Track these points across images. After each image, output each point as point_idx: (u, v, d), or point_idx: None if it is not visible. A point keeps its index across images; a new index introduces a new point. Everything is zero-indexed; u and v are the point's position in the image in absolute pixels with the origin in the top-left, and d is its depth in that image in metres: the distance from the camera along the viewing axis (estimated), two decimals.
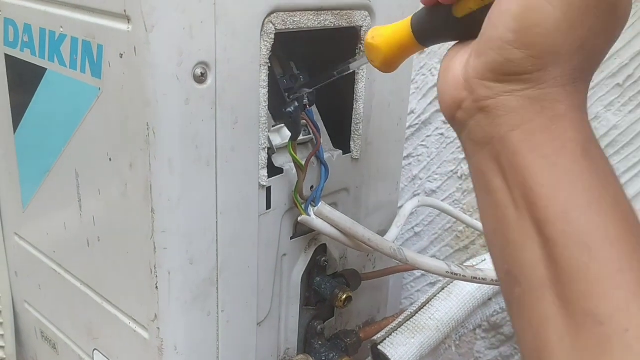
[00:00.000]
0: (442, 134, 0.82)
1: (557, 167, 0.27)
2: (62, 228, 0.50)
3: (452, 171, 0.81)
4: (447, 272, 0.50)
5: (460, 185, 0.81)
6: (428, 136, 0.83)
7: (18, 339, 0.64)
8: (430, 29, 0.33)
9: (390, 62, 0.37)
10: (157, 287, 0.42)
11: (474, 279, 0.50)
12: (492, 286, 0.62)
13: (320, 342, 0.56)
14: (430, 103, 0.81)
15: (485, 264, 0.63)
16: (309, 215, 0.49)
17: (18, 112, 0.51)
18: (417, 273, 0.91)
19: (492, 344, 0.82)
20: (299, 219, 0.49)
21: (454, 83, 0.30)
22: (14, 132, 0.53)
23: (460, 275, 0.50)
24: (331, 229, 0.50)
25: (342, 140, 0.54)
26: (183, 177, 0.40)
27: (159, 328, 0.43)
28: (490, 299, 0.64)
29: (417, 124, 0.83)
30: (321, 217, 0.49)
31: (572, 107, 0.27)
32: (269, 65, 0.43)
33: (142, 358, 0.46)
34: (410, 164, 0.86)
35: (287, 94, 0.48)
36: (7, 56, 0.51)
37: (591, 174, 0.27)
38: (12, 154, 0.54)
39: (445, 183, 0.83)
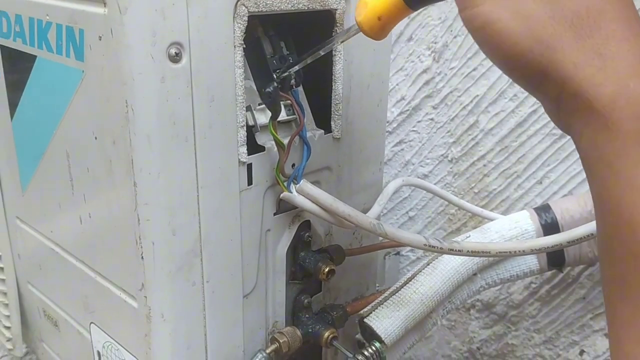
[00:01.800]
0: (432, 119, 0.83)
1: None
2: (58, 208, 0.53)
3: (442, 155, 0.83)
4: (424, 244, 0.52)
5: (450, 168, 0.83)
6: (419, 121, 0.85)
7: (23, 319, 0.67)
8: None
9: (379, 28, 0.39)
10: (142, 258, 0.45)
11: (450, 251, 0.52)
12: (476, 262, 0.63)
13: (307, 315, 0.58)
14: (420, 89, 0.83)
15: (468, 240, 0.64)
16: (290, 192, 0.51)
17: (14, 99, 0.54)
18: (413, 257, 0.92)
19: (485, 324, 0.84)
20: (281, 195, 0.51)
21: None
22: (11, 119, 0.56)
23: (437, 247, 0.52)
24: (312, 205, 0.52)
25: (324, 120, 0.56)
26: (162, 152, 0.42)
27: (146, 297, 0.46)
28: (475, 274, 0.65)
29: (407, 110, 0.85)
30: (303, 194, 0.51)
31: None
32: (261, 44, 0.46)
33: (133, 327, 0.48)
34: (402, 149, 0.88)
35: (275, 74, 0.50)
36: (2, 47, 0.54)
37: None
38: (10, 140, 0.57)
39: (437, 167, 0.84)
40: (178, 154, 0.43)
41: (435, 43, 0.80)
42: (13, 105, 0.55)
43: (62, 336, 0.61)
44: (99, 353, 0.55)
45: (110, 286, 0.50)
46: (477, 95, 0.77)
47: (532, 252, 0.50)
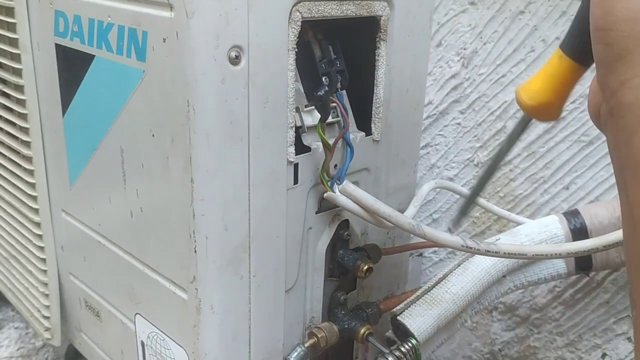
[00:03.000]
0: (458, 124, 0.85)
1: None
2: (107, 202, 0.55)
3: (468, 159, 0.85)
4: (462, 245, 0.54)
5: (476, 172, 0.84)
6: (445, 126, 0.86)
7: (62, 309, 0.69)
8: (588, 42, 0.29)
9: (559, 106, 0.36)
10: (195, 251, 0.46)
11: (487, 252, 0.54)
12: (506, 264, 0.65)
13: (343, 312, 0.60)
14: (447, 94, 0.85)
15: (498, 242, 0.66)
16: (334, 192, 0.53)
17: (67, 96, 0.56)
18: (435, 258, 0.94)
19: (508, 326, 0.85)
20: (325, 195, 0.53)
21: (593, 90, 0.28)
22: (63, 115, 0.58)
23: (474, 248, 0.54)
24: (354, 206, 0.54)
25: (364, 123, 0.57)
26: (219, 150, 0.44)
27: (197, 289, 0.48)
28: (504, 277, 0.67)
29: (434, 114, 0.87)
30: (345, 194, 0.53)
31: None
32: (311, 48, 0.48)
33: (181, 318, 0.50)
34: (428, 152, 0.89)
35: (323, 77, 0.52)
36: (57, 46, 0.56)
37: None
38: (60, 136, 0.59)
39: (462, 171, 0.86)
40: (233, 152, 0.45)
41: (465, 49, 0.82)
42: (65, 103, 0.57)
43: (104, 326, 0.63)
44: (142, 343, 0.56)
45: (159, 278, 0.51)
46: (506, 102, 0.79)
47: (569, 255, 0.52)
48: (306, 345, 0.56)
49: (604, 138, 0.72)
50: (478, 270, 0.64)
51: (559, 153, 0.76)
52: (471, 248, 0.53)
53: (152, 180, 0.49)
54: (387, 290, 0.67)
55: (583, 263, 0.67)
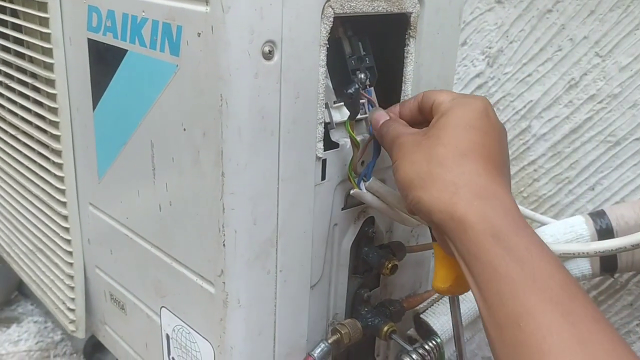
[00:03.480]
0: None
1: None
2: (136, 195, 0.56)
3: None
4: None
5: None
6: None
7: (87, 302, 0.70)
8: None
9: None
10: (224, 245, 0.47)
11: None
12: None
13: (366, 309, 0.60)
14: (472, 93, 0.84)
15: None
16: (360, 189, 0.53)
17: (98, 90, 0.57)
18: None
19: None
20: (352, 192, 0.53)
21: None
22: (93, 109, 0.59)
23: None
24: (380, 203, 0.54)
25: None
26: (250, 144, 0.45)
27: (224, 282, 0.48)
28: None
29: None
30: (372, 191, 0.53)
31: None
32: (341, 44, 0.48)
33: (207, 311, 0.50)
34: None
35: (354, 75, 0.52)
36: (90, 40, 0.56)
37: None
38: (90, 130, 0.60)
39: None
40: (264, 146, 0.45)
41: (490, 48, 0.81)
42: (96, 97, 0.58)
43: (129, 319, 0.63)
44: (168, 336, 0.57)
45: (186, 272, 0.52)
46: (531, 101, 0.78)
47: (596, 254, 0.51)
48: (330, 341, 0.56)
49: (632, 138, 0.72)
50: None
51: (585, 153, 0.75)
52: None
53: (182, 174, 0.49)
54: (410, 289, 0.67)
55: (608, 264, 0.66)
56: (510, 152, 0.82)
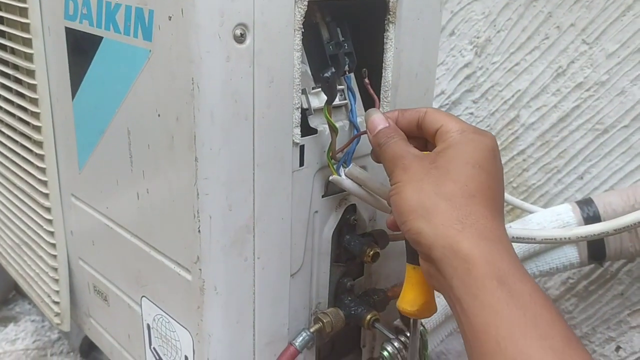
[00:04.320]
0: (471, 113, 0.84)
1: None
2: (115, 184, 0.55)
3: None
4: None
5: None
6: (458, 115, 0.85)
7: (71, 295, 0.70)
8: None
9: (433, 301, 0.46)
10: (199, 231, 0.46)
11: None
12: (517, 251, 0.64)
13: (349, 298, 0.59)
14: (460, 83, 0.84)
15: (509, 230, 0.65)
16: (339, 175, 0.52)
17: (76, 80, 0.57)
18: None
19: None
20: (330, 178, 0.53)
21: None
22: (72, 99, 0.58)
23: None
24: (360, 190, 0.53)
25: (372, 107, 0.57)
26: (223, 128, 0.44)
27: (200, 269, 0.47)
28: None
29: (447, 104, 0.86)
30: (351, 177, 0.53)
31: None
32: (319, 30, 0.47)
33: (185, 299, 0.50)
34: None
35: (330, 60, 0.52)
36: (67, 29, 0.56)
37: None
38: (70, 120, 0.60)
39: None
40: (238, 131, 0.45)
41: (478, 38, 0.81)
42: (75, 86, 0.57)
43: (112, 310, 0.63)
44: (149, 326, 0.57)
45: (165, 260, 0.52)
46: (519, 90, 0.78)
47: (578, 239, 0.51)
48: (312, 330, 0.56)
49: (619, 126, 0.71)
50: None
51: (574, 142, 0.75)
52: None
53: (157, 161, 0.49)
54: (396, 279, 0.66)
55: (596, 252, 0.65)
56: (499, 142, 0.81)
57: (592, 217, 0.65)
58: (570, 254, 0.67)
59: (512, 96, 0.79)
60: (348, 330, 0.64)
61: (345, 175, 0.53)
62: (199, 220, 0.46)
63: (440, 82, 0.86)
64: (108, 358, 0.71)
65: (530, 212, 0.72)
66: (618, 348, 0.76)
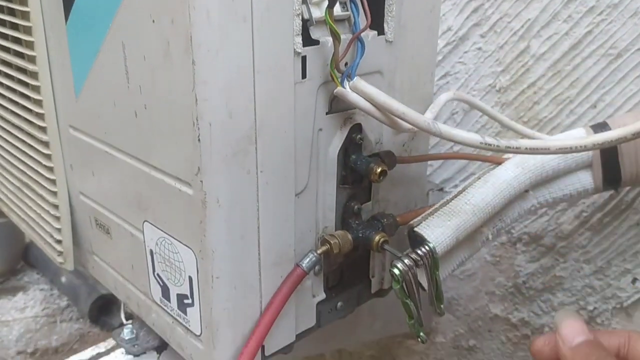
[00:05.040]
0: (479, 48, 0.82)
1: None
2: (112, 106, 0.54)
3: (490, 85, 0.81)
4: (480, 142, 0.51)
5: (498, 98, 0.81)
6: (465, 52, 0.83)
7: (74, 233, 0.68)
8: None
9: None
10: (199, 140, 0.45)
11: (507, 149, 0.51)
12: (529, 176, 0.62)
13: (357, 222, 0.58)
14: (467, 18, 0.81)
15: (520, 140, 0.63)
16: (344, 87, 0.50)
17: (68, 2, 0.55)
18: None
19: (532, 257, 0.82)
20: (335, 91, 0.51)
21: None
22: (66, 22, 0.57)
23: (494, 145, 0.51)
24: (365, 103, 0.51)
25: (376, 21, 0.55)
26: (220, 28, 0.42)
27: (202, 181, 0.46)
28: (527, 192, 0.64)
29: (454, 40, 0.83)
30: (356, 91, 0.51)
31: None
32: None
33: (187, 216, 0.49)
34: (447, 82, 0.86)
35: None
36: None
37: None
38: (64, 46, 0.58)
39: (484, 98, 0.83)
40: (236, 33, 0.43)
41: None
42: (67, 8, 0.55)
43: (114, 243, 0.62)
44: (151, 252, 0.55)
45: (165, 177, 0.50)
46: (529, 19, 0.75)
47: (595, 146, 0.49)
48: (318, 252, 0.54)
49: (634, 49, 0.69)
50: (499, 182, 0.61)
51: (586, 70, 0.72)
52: (490, 145, 0.51)
53: (154, 72, 0.47)
54: (405, 207, 0.65)
55: (611, 176, 0.63)
56: (508, 77, 0.79)
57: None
58: (585, 179, 0.64)
59: (522, 26, 0.76)
60: (357, 259, 0.62)
61: (350, 89, 0.51)
62: (199, 128, 0.44)
63: (446, 18, 0.83)
64: (118, 320, 0.70)
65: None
66: (635, 280, 0.74)
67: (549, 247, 0.80)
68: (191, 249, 0.50)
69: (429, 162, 0.90)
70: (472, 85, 0.83)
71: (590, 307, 0.79)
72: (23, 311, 1.74)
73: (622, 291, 0.75)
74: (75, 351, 1.62)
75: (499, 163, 0.63)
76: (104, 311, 1.64)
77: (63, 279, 1.75)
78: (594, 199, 0.74)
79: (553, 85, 0.75)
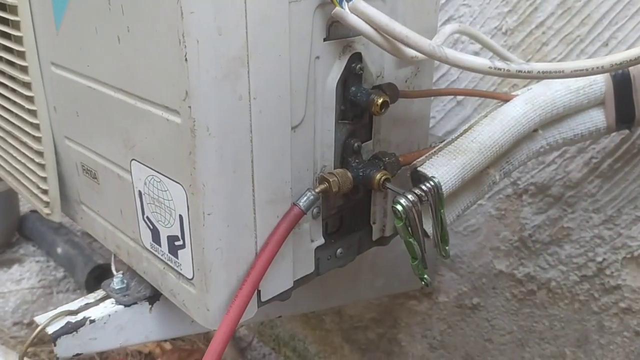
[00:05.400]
0: None
1: None
2: (94, 34, 0.50)
3: (496, 27, 0.77)
4: (489, 67, 0.47)
5: (505, 41, 0.77)
6: None
7: (61, 182, 0.65)
8: None
9: None
10: (186, 59, 0.41)
11: (518, 73, 0.47)
12: (538, 113, 0.58)
13: (357, 160, 0.54)
14: None
15: (529, 91, 0.59)
16: (343, 8, 0.47)
17: None
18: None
19: (539, 208, 0.80)
20: (333, 12, 0.47)
21: None
22: None
23: (504, 70, 0.47)
24: (366, 26, 0.47)
25: None
26: None
27: (190, 107, 0.42)
28: (536, 131, 0.61)
29: None
30: (356, 12, 0.47)
31: None
32: None
33: (176, 148, 0.45)
34: None
35: None
36: None
37: None
38: None
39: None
40: None
41: None
42: None
43: (102, 188, 0.59)
44: (140, 193, 0.52)
45: (151, 107, 0.47)
46: None
47: (612, 67, 0.45)
48: (317, 190, 0.51)
49: None
50: (507, 119, 0.58)
51: (598, 5, 0.68)
52: (500, 70, 0.47)
53: None
54: (407, 150, 0.61)
55: (625, 112, 0.60)
56: (515, 17, 0.75)
57: (621, 77, 0.59)
58: (597, 118, 0.61)
59: None
60: (357, 204, 0.59)
61: (350, 10, 0.47)
62: (185, 46, 0.41)
63: None
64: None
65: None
66: None
67: (557, 197, 0.77)
68: (181, 184, 0.46)
69: (432, 115, 0.87)
70: (477, 28, 0.79)
71: (599, 259, 0.76)
72: (19, 283, 1.71)
73: (633, 240, 0.73)
74: None
75: (507, 100, 0.60)
76: (100, 281, 1.61)
77: (59, 250, 1.72)
78: (605, 144, 0.71)
79: (563, 24, 0.71)
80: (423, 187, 0.50)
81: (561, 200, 0.77)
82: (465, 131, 0.58)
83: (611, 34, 0.68)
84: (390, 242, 0.64)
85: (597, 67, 0.45)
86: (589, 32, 0.69)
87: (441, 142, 0.57)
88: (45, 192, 0.65)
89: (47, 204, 0.66)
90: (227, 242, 0.47)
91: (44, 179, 0.64)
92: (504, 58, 0.65)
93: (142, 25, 0.44)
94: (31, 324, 1.61)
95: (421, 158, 0.56)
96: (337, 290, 0.81)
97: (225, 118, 0.43)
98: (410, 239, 0.50)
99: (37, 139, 0.63)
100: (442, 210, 0.51)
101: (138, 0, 0.44)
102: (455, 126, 0.86)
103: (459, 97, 0.84)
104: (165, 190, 0.48)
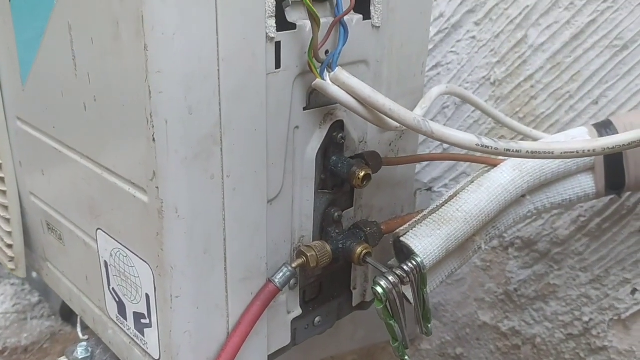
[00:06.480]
0: (473, 37, 0.76)
1: None
2: (60, 96, 0.47)
3: (484, 77, 0.76)
4: (477, 144, 0.45)
5: (493, 92, 0.75)
6: (458, 41, 0.77)
7: (26, 236, 0.62)
8: None
9: None
10: (154, 139, 0.38)
11: (506, 152, 0.45)
12: (526, 180, 0.56)
13: (337, 231, 0.52)
14: (461, 3, 0.75)
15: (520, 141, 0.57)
16: (324, 79, 0.44)
17: None
18: (445, 192, 0.86)
19: (525, 263, 0.77)
20: (313, 83, 0.45)
21: None
22: (10, 0, 0.50)
23: (492, 148, 0.45)
24: (348, 98, 0.45)
25: (362, 4, 0.48)
26: (178, 8, 0.36)
27: (157, 187, 0.40)
28: (524, 197, 0.58)
29: (446, 28, 0.77)
30: (337, 83, 0.45)
31: None
32: None
33: (143, 226, 0.42)
34: (439, 73, 0.80)
35: None
36: None
37: None
38: (9, 26, 0.51)
39: (477, 91, 0.77)
40: (196, 12, 0.37)
41: None
42: None
43: (68, 250, 0.55)
44: (106, 263, 0.49)
45: (118, 181, 0.44)
46: (527, 6, 0.69)
47: (604, 151, 0.43)
48: (294, 265, 0.48)
49: None
50: (494, 186, 0.55)
51: (588, 62, 0.67)
52: (488, 147, 0.45)
53: (103, 57, 0.40)
54: (390, 213, 0.59)
55: (615, 180, 0.58)
56: (504, 69, 0.73)
57: None
58: (586, 184, 0.59)
59: (520, 14, 0.70)
60: (337, 270, 0.57)
61: (331, 81, 0.45)
62: (153, 126, 0.38)
63: (438, 3, 0.77)
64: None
65: (536, 139, 0.65)
66: (634, 291, 0.69)
67: (543, 253, 0.75)
68: (148, 263, 0.43)
69: None
70: (464, 77, 0.78)
71: (586, 318, 0.74)
72: None
73: (620, 302, 0.71)
74: (45, 351, 1.55)
75: (494, 165, 0.57)
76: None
77: (34, 274, 1.67)
78: (593, 203, 0.69)
79: (552, 79, 0.70)
80: (405, 267, 0.47)
81: (547, 257, 0.75)
82: (451, 198, 0.55)
83: (601, 92, 0.66)
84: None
85: (588, 150, 0.43)
86: (579, 89, 0.68)
87: (425, 210, 0.55)
88: (9, 246, 0.62)
89: (11, 258, 0.62)
90: (196, 325, 0.44)
91: (9, 233, 0.61)
92: (492, 117, 0.64)
93: (109, 98, 0.41)
94: (4, 352, 1.56)
95: (404, 226, 0.54)
96: (318, 344, 0.78)
97: (195, 198, 0.41)
98: (391, 321, 0.47)
99: (2, 193, 0.59)
100: (424, 289, 0.49)
101: (104, 71, 0.41)
102: (441, 173, 0.84)
103: (445, 145, 0.82)
104: (132, 267, 0.45)
